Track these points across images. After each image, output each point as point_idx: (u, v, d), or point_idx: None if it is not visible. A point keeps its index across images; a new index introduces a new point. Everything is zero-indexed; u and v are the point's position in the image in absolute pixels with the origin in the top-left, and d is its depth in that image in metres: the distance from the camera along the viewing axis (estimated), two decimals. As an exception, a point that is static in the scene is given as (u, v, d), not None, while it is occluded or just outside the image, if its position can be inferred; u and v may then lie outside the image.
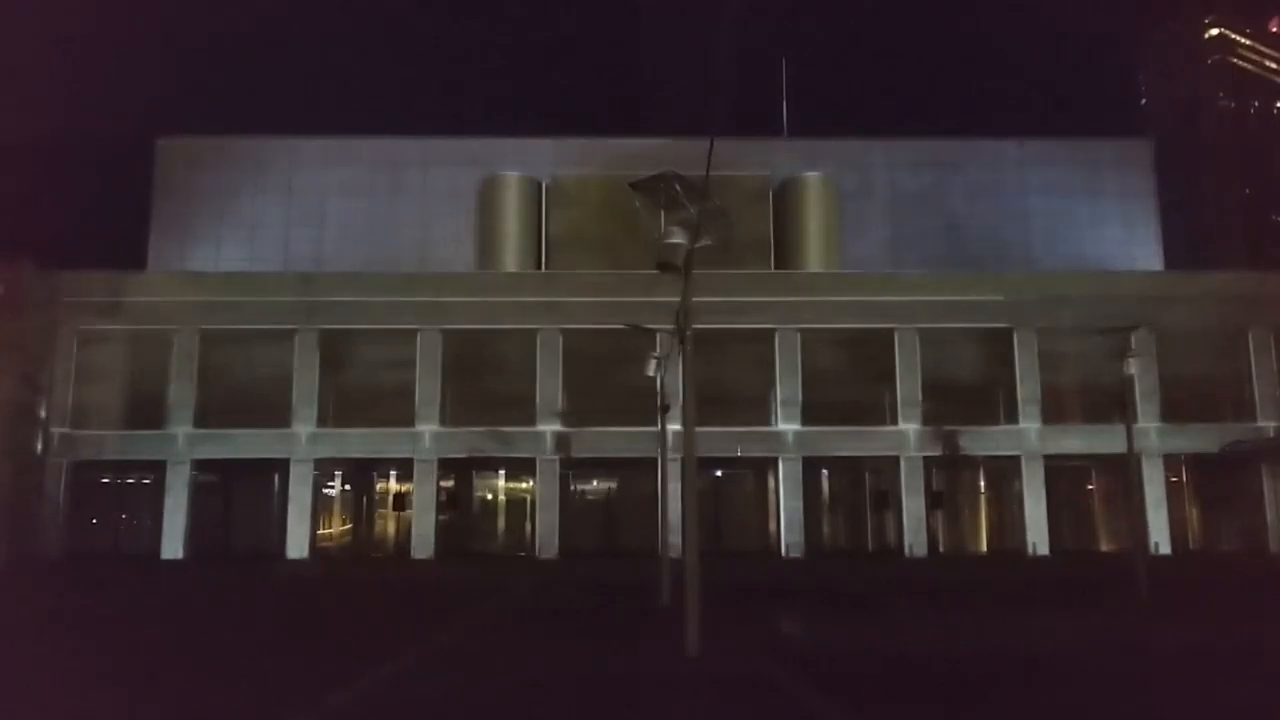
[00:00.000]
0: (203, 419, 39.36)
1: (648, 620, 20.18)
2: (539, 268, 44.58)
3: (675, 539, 24.18)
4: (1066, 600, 24.70)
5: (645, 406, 28.77)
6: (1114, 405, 27.88)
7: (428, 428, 39.29)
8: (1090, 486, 43.25)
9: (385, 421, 39.49)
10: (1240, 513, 41.50)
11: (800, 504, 39.58)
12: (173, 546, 38.16)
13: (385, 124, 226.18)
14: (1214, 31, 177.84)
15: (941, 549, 41.15)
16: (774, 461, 40.31)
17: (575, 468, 40.89)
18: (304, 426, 39.13)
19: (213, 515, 40.23)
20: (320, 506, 41.07)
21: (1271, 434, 39.71)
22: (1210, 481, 42.20)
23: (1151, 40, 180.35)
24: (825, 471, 42.34)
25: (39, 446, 38.38)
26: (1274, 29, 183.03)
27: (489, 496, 43.98)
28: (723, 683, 13.40)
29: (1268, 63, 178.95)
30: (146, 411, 39.39)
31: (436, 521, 39.39)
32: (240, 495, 41.96)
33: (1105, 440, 35.91)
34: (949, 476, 42.28)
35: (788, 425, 39.67)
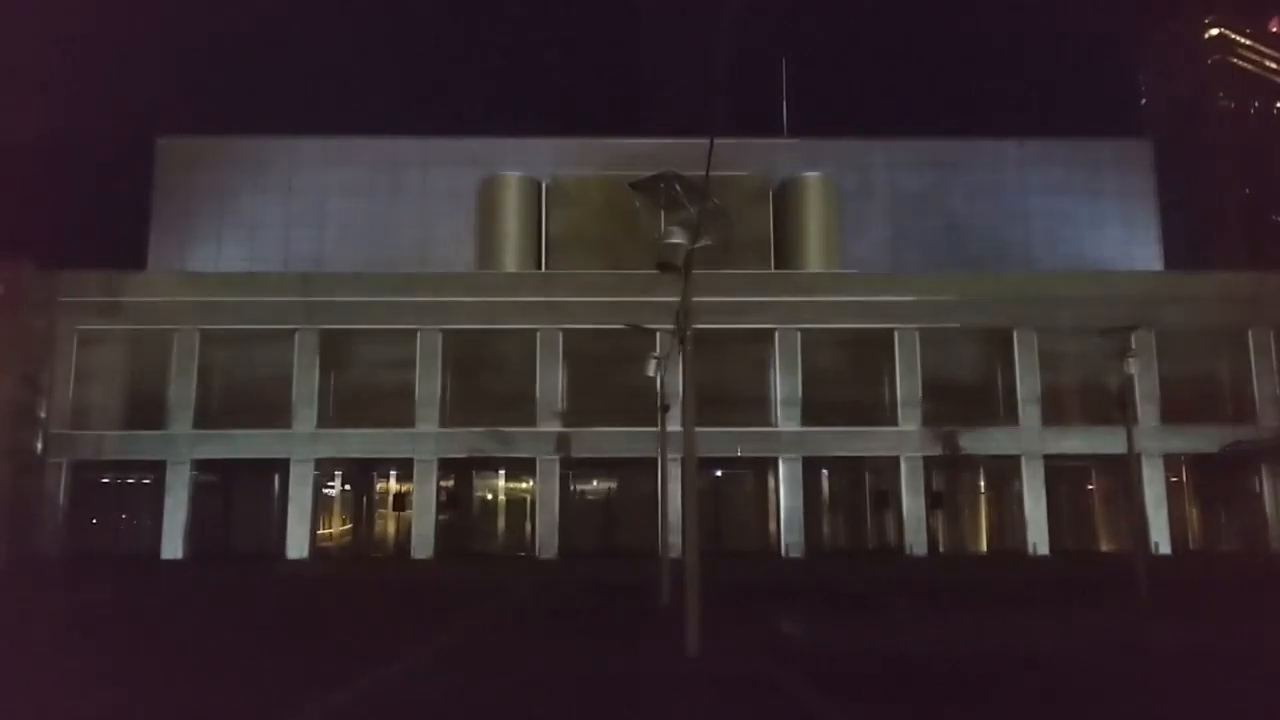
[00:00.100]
0: (203, 419, 39.33)
1: (648, 620, 20.19)
2: (539, 268, 44.55)
3: (675, 539, 24.18)
4: (1067, 600, 24.71)
5: (645, 406, 28.77)
6: (1114, 405, 27.88)
7: (428, 428, 39.27)
8: (1090, 486, 43.20)
9: (385, 421, 39.47)
10: (1240, 513, 41.49)
11: (800, 504, 39.56)
12: (172, 546, 38.14)
13: (385, 124, 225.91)
14: (1214, 31, 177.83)
15: (941, 549, 41.11)
16: (774, 461, 40.29)
17: (575, 468, 40.87)
18: (304, 426, 39.12)
19: (213, 515, 40.19)
20: (320, 506, 41.02)
21: (1271, 434, 39.69)
22: (1210, 481, 42.17)
23: (1151, 40, 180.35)
24: (825, 471, 42.29)
25: (39, 446, 38.37)
26: (1274, 29, 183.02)
27: (489, 496, 43.94)
28: (723, 683, 13.40)
29: (1268, 63, 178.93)
30: (146, 411, 39.37)
31: (436, 521, 39.37)
32: (240, 495, 41.90)
33: (1105, 440, 35.90)
34: (949, 476, 42.24)
35: (788, 425, 39.66)
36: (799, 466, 39.62)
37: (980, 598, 25.52)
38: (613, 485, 43.14)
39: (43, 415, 38.56)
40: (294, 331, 39.56)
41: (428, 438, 39.20)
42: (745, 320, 38.99)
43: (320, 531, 40.78)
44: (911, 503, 39.52)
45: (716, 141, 15.26)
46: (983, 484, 43.31)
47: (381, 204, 47.28)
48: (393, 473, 42.08)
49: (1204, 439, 39.91)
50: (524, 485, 41.88)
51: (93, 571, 32.98)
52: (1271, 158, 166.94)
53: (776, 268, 44.03)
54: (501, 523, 43.27)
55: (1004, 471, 41.51)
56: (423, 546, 38.68)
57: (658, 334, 24.59)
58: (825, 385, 39.85)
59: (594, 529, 41.52)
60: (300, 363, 39.47)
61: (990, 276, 42.05)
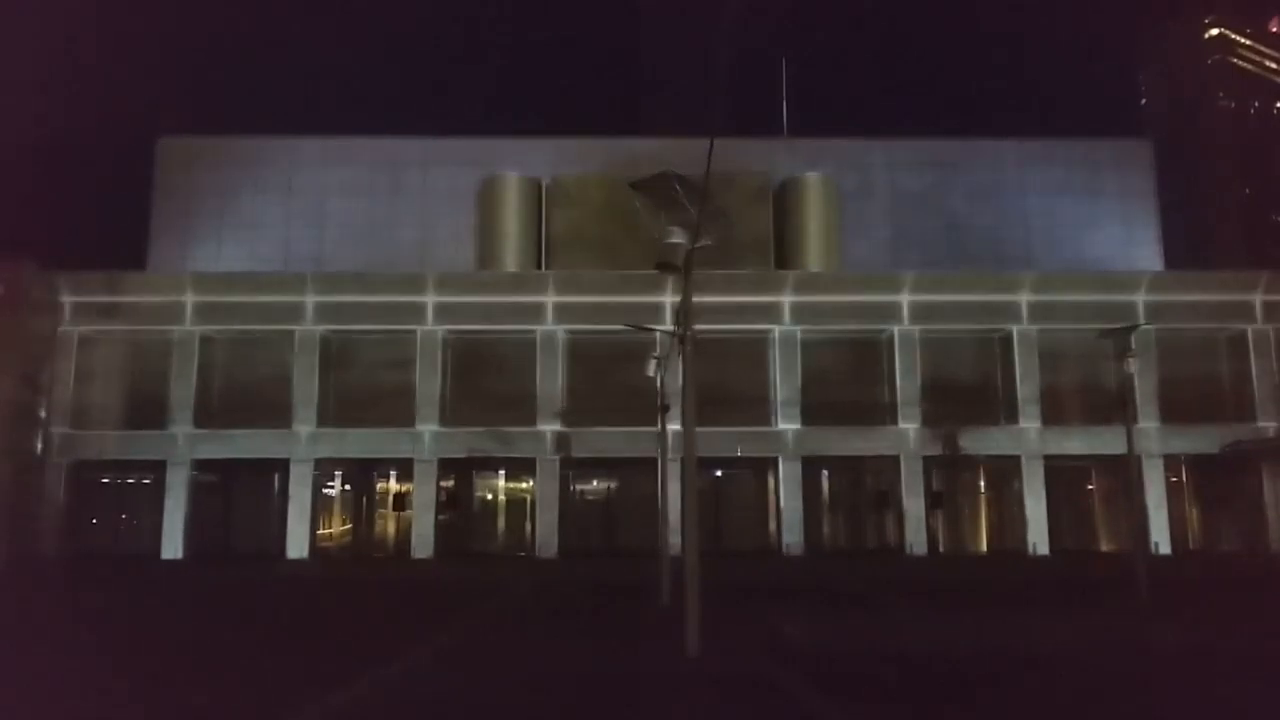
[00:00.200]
0: (203, 419, 39.35)
1: (648, 620, 20.18)
2: (539, 268, 44.56)
3: (675, 539, 24.18)
4: (1067, 600, 24.70)
5: (645, 406, 28.79)
6: (1114, 405, 27.89)
7: (428, 428, 39.29)
8: (1090, 486, 43.20)
9: (385, 421, 39.48)
10: (1240, 513, 41.45)
11: (800, 504, 39.56)
12: (172, 546, 38.14)
13: (385, 124, 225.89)
14: (1214, 31, 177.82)
15: (941, 549, 41.11)
16: (774, 461, 40.29)
17: (575, 468, 40.87)
18: (304, 426, 39.12)
19: (213, 515, 40.20)
20: (320, 506, 41.03)
21: (1271, 434, 39.69)
22: (1210, 481, 42.15)
23: (1151, 40, 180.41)
24: (825, 471, 42.29)
25: (39, 446, 38.37)
26: (1274, 29, 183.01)
27: (489, 496, 43.94)
28: (723, 683, 13.40)
29: (1268, 63, 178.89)
30: (146, 411, 39.38)
31: (436, 521, 39.39)
32: (240, 495, 41.92)
33: (1105, 440, 35.91)
34: (949, 476, 42.24)
35: (788, 425, 39.66)
36: (799, 466, 39.61)
37: (980, 598, 25.51)
38: (613, 485, 43.14)
39: (43, 415, 38.56)
40: (294, 332, 39.56)
41: (427, 438, 39.20)
42: (745, 320, 38.98)
43: (320, 531, 40.79)
44: (911, 503, 39.51)
45: (716, 141, 15.26)
46: (983, 484, 43.30)
47: (381, 204, 47.26)
48: (393, 473, 42.09)
49: (1204, 439, 39.90)
50: (524, 485, 41.89)
51: (93, 571, 32.99)
52: (1271, 158, 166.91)
53: (777, 267, 44.03)
54: (501, 523, 43.27)
55: (1004, 471, 41.51)
56: (423, 546, 38.68)
57: (658, 334, 24.60)
58: (825, 385, 39.84)
59: (594, 529, 41.53)
60: (300, 363, 39.48)
61: (990, 276, 42.03)
